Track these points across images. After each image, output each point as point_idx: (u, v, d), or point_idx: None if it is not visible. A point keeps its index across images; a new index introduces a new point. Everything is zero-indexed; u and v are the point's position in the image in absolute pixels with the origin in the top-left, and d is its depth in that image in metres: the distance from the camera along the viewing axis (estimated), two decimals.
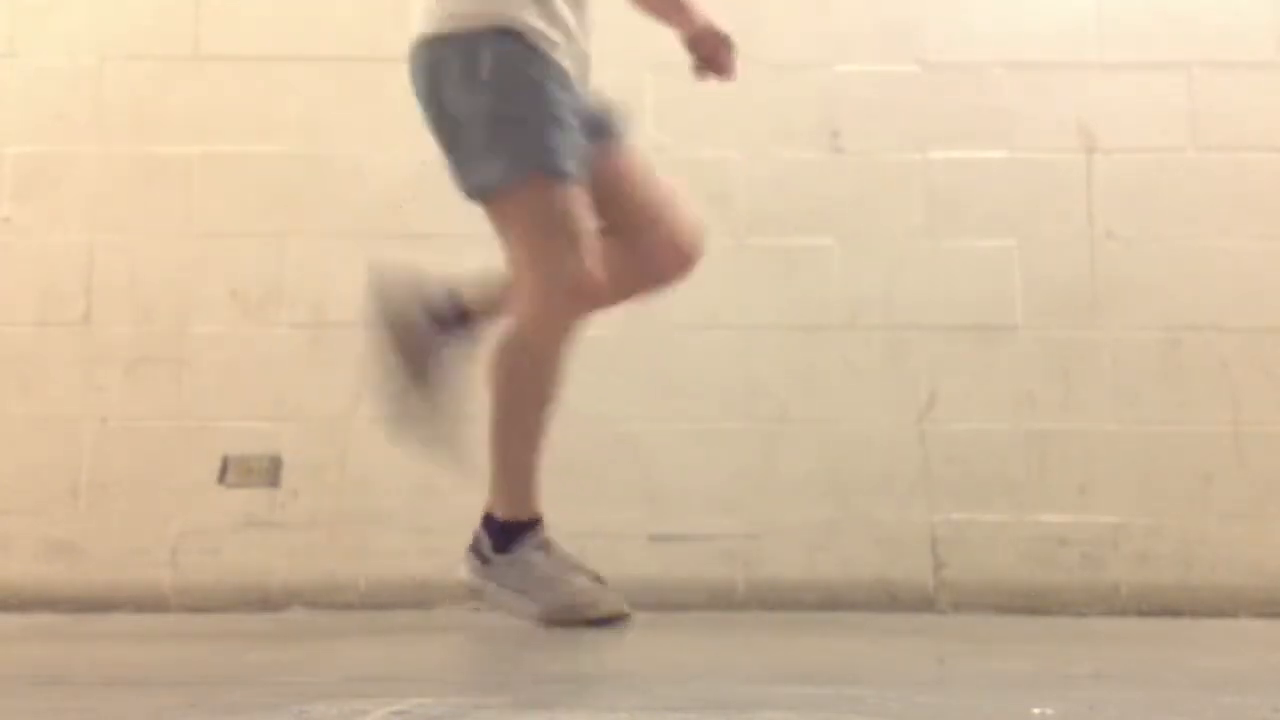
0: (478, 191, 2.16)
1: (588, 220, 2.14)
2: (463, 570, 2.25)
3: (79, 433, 2.89)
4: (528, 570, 2.20)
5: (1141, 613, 2.77)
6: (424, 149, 3.02)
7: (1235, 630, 2.50)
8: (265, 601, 2.79)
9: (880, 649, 1.96)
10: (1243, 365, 2.88)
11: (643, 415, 2.90)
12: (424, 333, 2.27)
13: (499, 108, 2.08)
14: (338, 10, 3.04)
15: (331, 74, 3.01)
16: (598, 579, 2.26)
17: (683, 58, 2.39)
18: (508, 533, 2.23)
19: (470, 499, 2.88)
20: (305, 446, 2.89)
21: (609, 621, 2.19)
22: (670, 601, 2.78)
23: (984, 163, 2.97)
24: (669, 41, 2.38)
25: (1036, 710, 1.10)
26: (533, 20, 2.12)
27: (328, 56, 3.02)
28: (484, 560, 2.22)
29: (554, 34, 2.15)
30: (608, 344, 2.92)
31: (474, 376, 2.28)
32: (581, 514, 2.85)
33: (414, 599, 2.80)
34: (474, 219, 2.98)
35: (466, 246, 2.96)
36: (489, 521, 2.25)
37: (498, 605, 2.23)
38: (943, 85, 2.98)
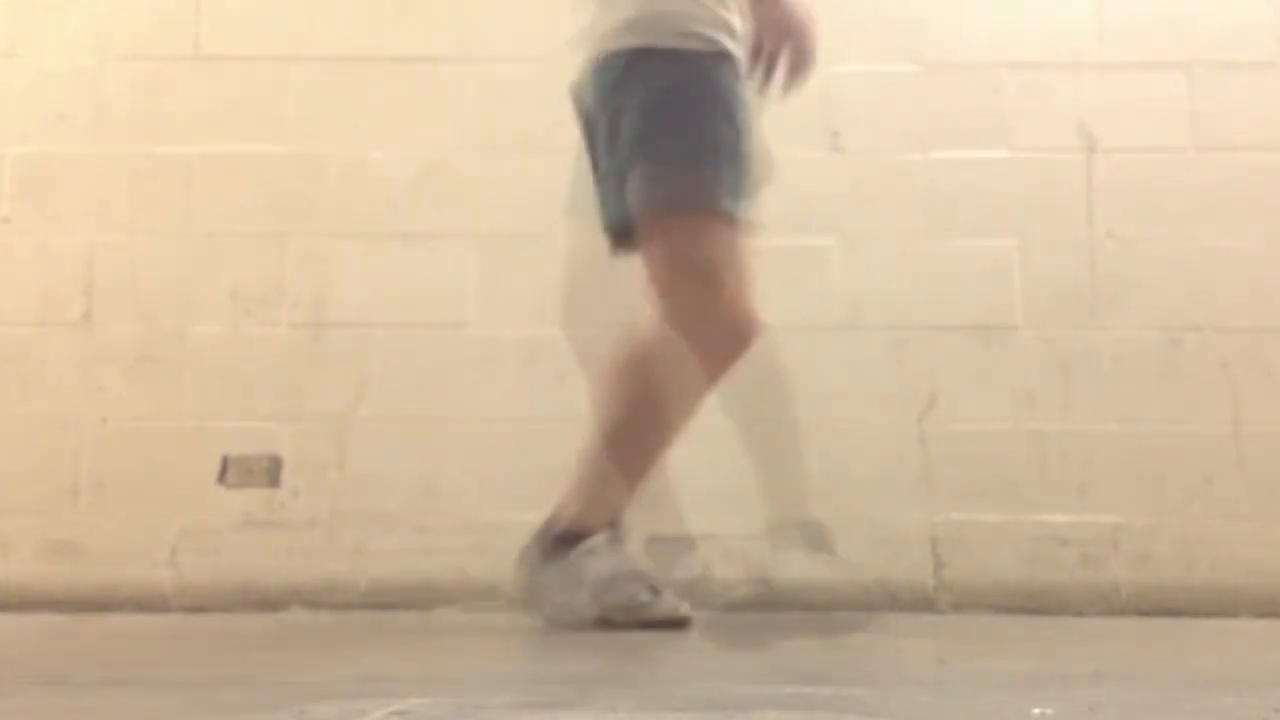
0: None
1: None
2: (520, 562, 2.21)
3: (79, 433, 2.89)
4: (581, 572, 2.18)
5: (1141, 613, 2.77)
6: (424, 149, 3.04)
7: (1235, 630, 2.50)
8: (265, 601, 2.79)
9: (880, 649, 1.96)
10: (1243, 365, 2.88)
11: None
12: None
13: None
14: (338, 10, 3.05)
15: (331, 74, 3.01)
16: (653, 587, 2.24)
17: None
18: (569, 539, 2.20)
19: (469, 500, 2.89)
20: (305, 446, 2.89)
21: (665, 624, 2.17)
22: None
23: (984, 163, 2.96)
24: None
25: (1036, 710, 1.10)
26: None
27: (328, 56, 3.02)
28: (545, 555, 2.19)
29: None
30: (608, 344, 2.92)
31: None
32: None
33: (414, 599, 2.80)
34: (472, 219, 2.99)
35: (465, 246, 2.97)
36: (561, 523, 2.20)
37: (545, 604, 2.20)
38: (943, 85, 2.98)
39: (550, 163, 2.95)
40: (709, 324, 2.07)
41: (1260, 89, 2.96)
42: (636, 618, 2.19)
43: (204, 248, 2.96)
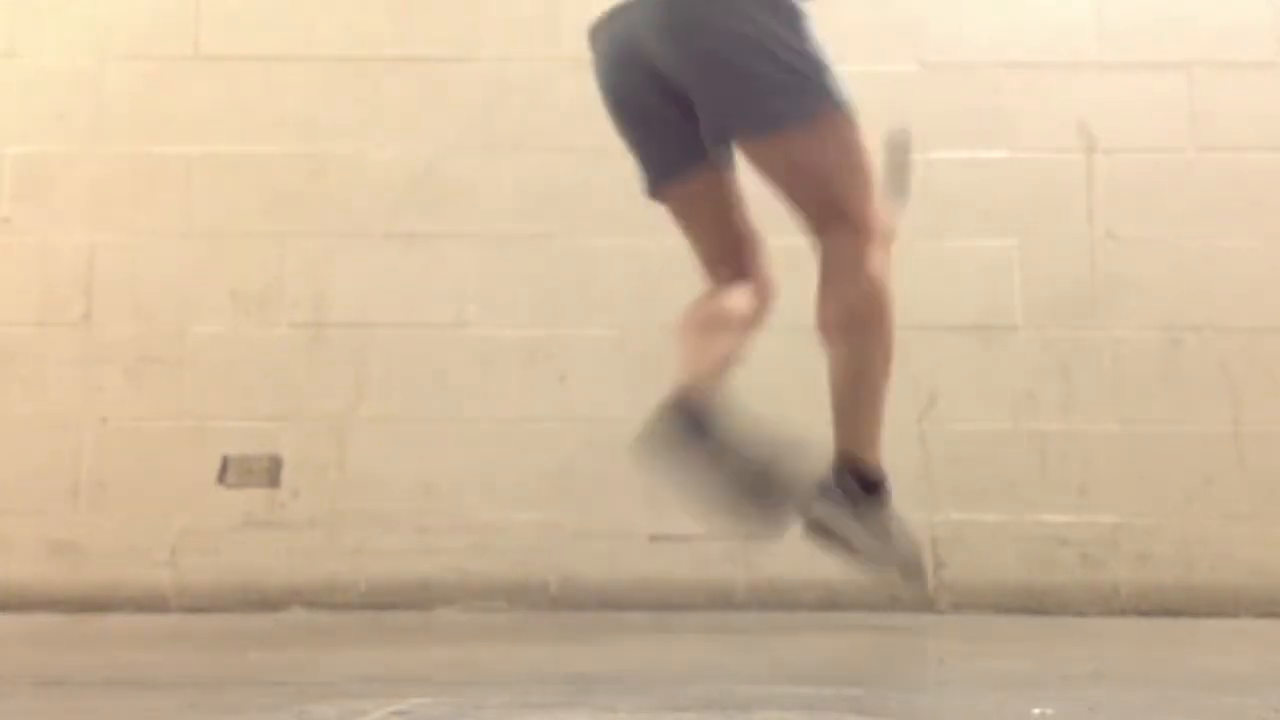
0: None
1: None
2: (815, 509, 2.20)
3: (79, 433, 2.89)
4: (887, 518, 2.22)
5: (1141, 613, 2.77)
6: (424, 149, 3.04)
7: (1235, 630, 2.50)
8: (265, 601, 2.79)
9: (880, 649, 1.96)
10: (1243, 365, 2.88)
11: (643, 415, 2.89)
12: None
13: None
14: (338, 10, 3.05)
15: (331, 74, 3.01)
16: None
17: None
18: (874, 479, 2.22)
19: (469, 500, 2.89)
20: (305, 446, 2.89)
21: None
22: (670, 601, 2.78)
23: (984, 163, 2.96)
24: None
25: (1036, 710, 1.10)
26: None
27: (328, 56, 3.02)
28: (851, 501, 2.19)
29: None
30: (608, 344, 2.92)
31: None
32: (582, 514, 2.85)
33: (414, 599, 2.80)
34: (472, 219, 2.99)
35: (465, 246, 2.97)
36: (853, 468, 2.21)
37: (853, 544, 2.21)
38: (943, 85, 2.98)
39: (550, 163, 2.95)
40: (873, 208, 2.18)
41: (1260, 89, 2.96)
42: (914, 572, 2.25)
43: (204, 248, 2.96)
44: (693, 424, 2.07)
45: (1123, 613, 2.77)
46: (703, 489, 2.09)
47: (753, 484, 2.08)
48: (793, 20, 2.15)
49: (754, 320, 2.27)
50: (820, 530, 2.21)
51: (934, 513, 2.84)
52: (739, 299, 2.26)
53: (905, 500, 2.83)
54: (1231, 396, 2.87)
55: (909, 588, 2.27)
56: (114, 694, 1.32)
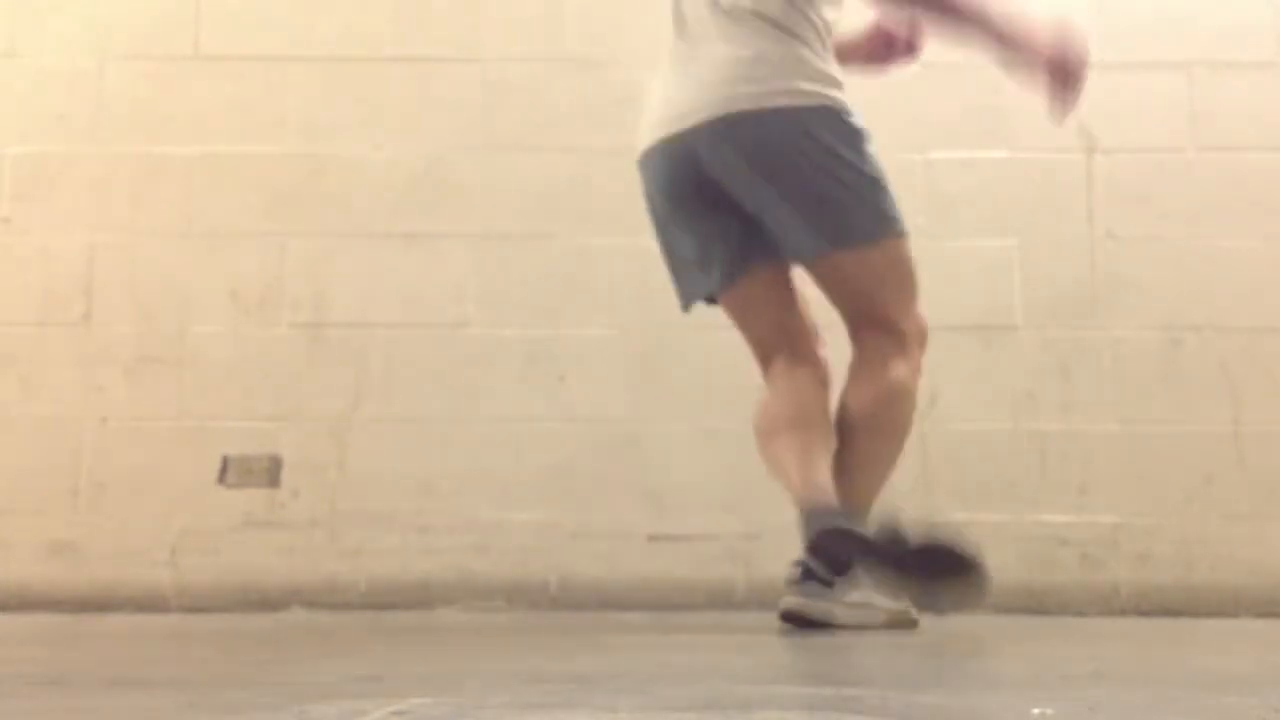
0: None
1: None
2: (794, 601, 2.25)
3: (79, 433, 2.89)
4: (864, 584, 2.28)
5: (1141, 613, 2.77)
6: (424, 149, 3.04)
7: (1235, 630, 2.49)
8: (265, 601, 2.80)
9: (880, 649, 1.96)
10: (1243, 365, 2.88)
11: (643, 415, 2.90)
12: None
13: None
14: (338, 10, 3.05)
15: (331, 74, 3.02)
16: None
17: None
18: (844, 559, 2.26)
19: (469, 500, 2.89)
20: (305, 446, 2.89)
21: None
22: (670, 601, 2.78)
23: (984, 163, 2.97)
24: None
25: (1036, 710, 1.10)
26: None
27: (328, 56, 3.02)
28: (826, 584, 2.25)
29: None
30: (608, 344, 2.92)
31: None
32: (581, 514, 2.85)
33: (414, 599, 2.80)
34: (472, 219, 2.99)
35: (464, 246, 2.98)
36: (821, 550, 2.24)
37: (845, 624, 2.25)
38: (943, 85, 2.98)
39: (550, 163, 2.95)
40: (912, 319, 2.30)
41: (1260, 89, 2.96)
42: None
43: (204, 248, 2.96)
44: (855, 544, 2.12)
45: (1123, 613, 2.77)
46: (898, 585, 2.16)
47: (932, 564, 2.15)
48: (856, 142, 2.21)
49: (827, 406, 2.30)
50: (798, 620, 2.24)
51: (934, 513, 2.83)
52: (810, 390, 2.28)
53: (905, 500, 2.84)
54: (1231, 396, 2.87)
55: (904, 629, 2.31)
56: (114, 694, 1.32)
